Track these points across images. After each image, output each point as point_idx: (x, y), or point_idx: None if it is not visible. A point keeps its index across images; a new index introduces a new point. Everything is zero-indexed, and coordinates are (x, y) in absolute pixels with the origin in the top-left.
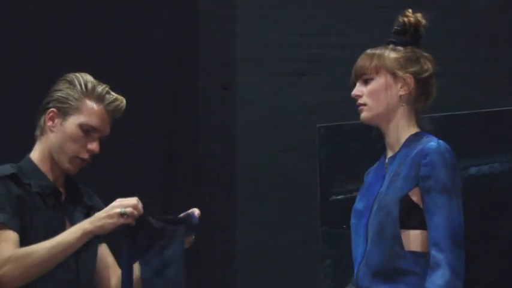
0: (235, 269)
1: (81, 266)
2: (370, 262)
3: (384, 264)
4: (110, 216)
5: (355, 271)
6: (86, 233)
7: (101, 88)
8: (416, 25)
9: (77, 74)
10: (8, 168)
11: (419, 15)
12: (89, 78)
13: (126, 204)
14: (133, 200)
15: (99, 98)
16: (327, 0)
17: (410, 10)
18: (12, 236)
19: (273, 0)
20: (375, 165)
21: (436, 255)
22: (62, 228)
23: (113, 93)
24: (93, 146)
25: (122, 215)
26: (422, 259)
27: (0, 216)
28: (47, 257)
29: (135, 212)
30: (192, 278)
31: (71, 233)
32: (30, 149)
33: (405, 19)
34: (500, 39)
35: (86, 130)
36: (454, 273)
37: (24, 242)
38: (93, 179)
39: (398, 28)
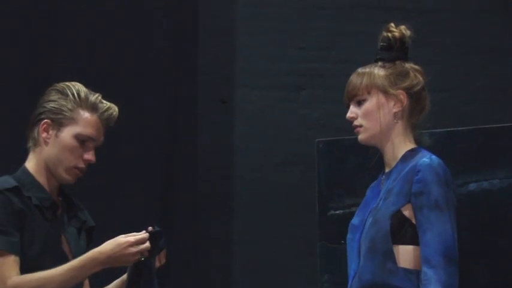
0: (233, 283)
1: None
2: (362, 277)
3: (375, 280)
4: (128, 262)
5: (349, 286)
6: (97, 270)
7: (94, 97)
8: (401, 39)
9: (67, 84)
10: (9, 181)
11: (403, 28)
12: (80, 87)
13: (144, 250)
14: (147, 243)
15: (93, 108)
16: (327, 14)
17: (393, 24)
18: (14, 261)
19: (273, 13)
20: (375, 181)
21: (428, 271)
22: (59, 243)
23: (105, 101)
24: (89, 155)
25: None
26: (415, 276)
27: (2, 242)
28: None
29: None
30: None
31: (84, 270)
32: (19, 155)
33: (389, 34)
34: (501, 55)
35: (82, 140)
36: None
37: (22, 257)
38: (91, 193)
39: (384, 44)
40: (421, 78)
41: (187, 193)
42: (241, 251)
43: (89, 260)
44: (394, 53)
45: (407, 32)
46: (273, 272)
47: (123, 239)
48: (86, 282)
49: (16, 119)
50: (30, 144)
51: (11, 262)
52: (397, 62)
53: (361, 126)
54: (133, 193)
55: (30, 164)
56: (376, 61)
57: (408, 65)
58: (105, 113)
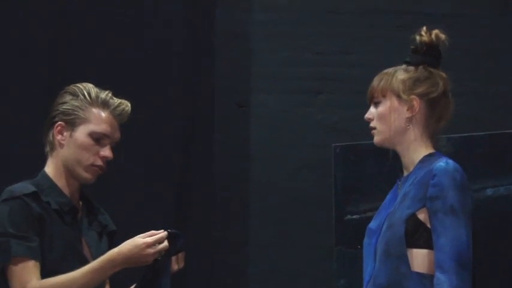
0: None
1: None
2: (377, 281)
3: (389, 284)
4: (147, 262)
5: None
6: (116, 270)
7: (104, 94)
8: (429, 43)
9: (77, 85)
10: (28, 187)
11: (435, 32)
12: (90, 86)
13: (161, 250)
14: (166, 243)
15: (104, 105)
16: (344, 19)
17: (424, 28)
18: (35, 265)
19: (289, 18)
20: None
21: (440, 276)
22: (79, 247)
23: (116, 98)
24: (106, 152)
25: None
26: (428, 281)
27: (20, 248)
28: None
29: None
30: None
31: (104, 271)
32: (39, 160)
33: (418, 37)
34: None
35: (97, 138)
36: None
37: (43, 262)
38: (107, 197)
39: (413, 47)
40: (441, 84)
41: (203, 197)
42: (257, 255)
43: (107, 261)
44: (419, 57)
45: (442, 36)
46: (288, 277)
47: (141, 239)
48: (106, 282)
49: (37, 124)
50: (47, 149)
51: (31, 267)
52: (420, 67)
53: (375, 128)
54: (149, 196)
55: (49, 168)
56: (404, 63)
57: (431, 71)
58: (117, 109)
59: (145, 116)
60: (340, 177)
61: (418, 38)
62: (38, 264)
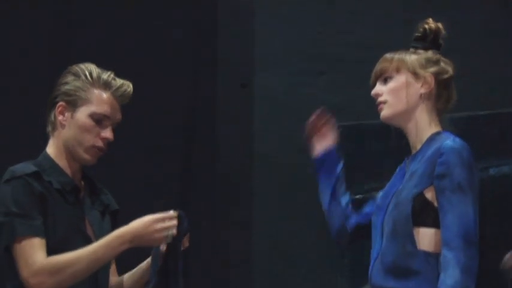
0: (252, 266)
1: (100, 283)
2: (384, 259)
3: (396, 262)
4: (155, 240)
5: (370, 267)
6: (124, 249)
7: (106, 75)
8: (436, 32)
9: (80, 65)
10: (29, 167)
11: (439, 24)
12: (92, 67)
13: (171, 227)
14: (175, 221)
15: (106, 85)
16: None
17: (431, 19)
18: (40, 242)
19: None
20: (401, 164)
21: (447, 254)
22: (82, 226)
23: (118, 79)
24: (107, 133)
25: (166, 237)
26: (434, 259)
27: (24, 227)
28: (85, 271)
29: (175, 233)
30: (208, 276)
31: (111, 249)
32: (40, 143)
33: (426, 26)
34: None
35: (98, 119)
36: (464, 273)
37: (47, 241)
38: (110, 177)
39: (419, 35)
40: (450, 69)
41: (206, 177)
42: (261, 233)
43: (115, 238)
44: (427, 43)
45: (443, 30)
46: (292, 254)
47: (149, 216)
48: (113, 268)
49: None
50: (49, 129)
51: (37, 244)
52: (430, 51)
53: (385, 102)
54: (153, 176)
55: (51, 149)
56: (412, 47)
57: (439, 55)
58: (119, 90)
59: (148, 97)
60: (344, 157)
61: (425, 26)
62: (43, 241)
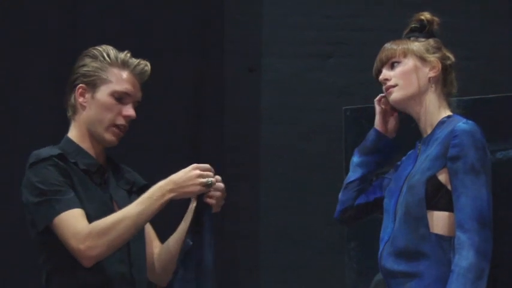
0: (260, 250)
1: (134, 257)
2: (395, 242)
3: (408, 245)
4: (195, 185)
5: (380, 250)
6: (168, 200)
7: (123, 55)
8: (432, 22)
9: (96, 47)
10: (53, 150)
11: (433, 15)
12: (109, 48)
13: (208, 174)
14: (208, 165)
15: (124, 64)
16: None
17: (425, 12)
18: (80, 212)
19: None
20: (412, 149)
21: (461, 236)
22: (111, 206)
23: (134, 58)
24: (129, 111)
25: (206, 185)
26: (447, 243)
27: (63, 204)
28: (133, 227)
29: (215, 181)
30: (216, 259)
31: (155, 200)
32: (57, 134)
33: (422, 17)
34: None
35: (119, 97)
36: (479, 255)
37: None
38: (122, 157)
39: (417, 25)
40: (452, 56)
41: (213, 162)
42: (268, 218)
43: (156, 188)
44: (426, 33)
45: (436, 20)
46: (299, 240)
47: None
48: (155, 243)
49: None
50: (69, 113)
51: (78, 215)
52: (431, 39)
53: (395, 85)
54: (161, 162)
55: (73, 132)
56: (412, 37)
57: (441, 43)
58: (137, 68)
59: (156, 82)
60: (351, 140)
61: (421, 17)
62: (82, 211)
